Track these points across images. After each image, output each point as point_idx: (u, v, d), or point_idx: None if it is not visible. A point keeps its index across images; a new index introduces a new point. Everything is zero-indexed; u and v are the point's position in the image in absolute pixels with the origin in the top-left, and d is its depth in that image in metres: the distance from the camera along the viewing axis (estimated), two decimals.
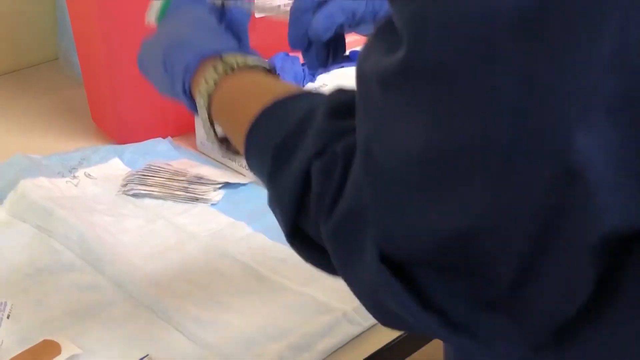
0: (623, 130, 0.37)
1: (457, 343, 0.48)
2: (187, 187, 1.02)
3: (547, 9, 0.36)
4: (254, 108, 0.60)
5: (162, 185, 1.02)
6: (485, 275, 0.43)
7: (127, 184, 1.02)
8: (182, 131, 1.17)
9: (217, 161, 1.09)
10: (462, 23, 0.38)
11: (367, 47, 0.47)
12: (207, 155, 1.12)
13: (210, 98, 0.66)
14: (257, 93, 0.63)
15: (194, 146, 1.15)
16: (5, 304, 0.81)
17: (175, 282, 0.86)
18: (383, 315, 0.50)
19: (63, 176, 1.04)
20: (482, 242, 0.42)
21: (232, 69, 0.66)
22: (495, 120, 0.39)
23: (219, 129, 0.69)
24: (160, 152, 1.11)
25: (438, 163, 0.41)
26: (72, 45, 1.23)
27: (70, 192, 1.01)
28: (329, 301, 0.83)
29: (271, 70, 0.68)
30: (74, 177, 1.04)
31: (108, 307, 0.83)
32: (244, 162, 1.05)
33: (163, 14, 0.79)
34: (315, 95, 0.60)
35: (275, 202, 0.56)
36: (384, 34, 0.45)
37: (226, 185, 1.03)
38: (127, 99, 1.14)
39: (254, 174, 0.63)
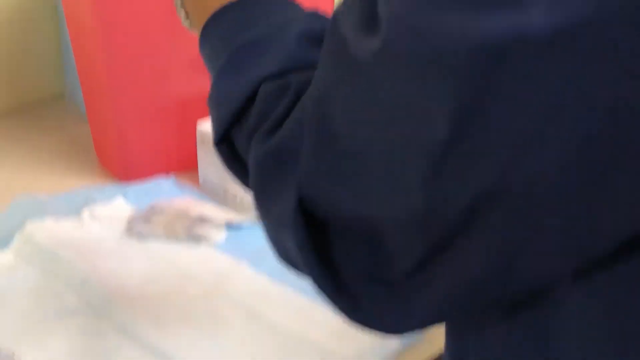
0: None
1: (338, 307, 0.47)
2: (190, 228, 1.03)
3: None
4: None
5: (166, 226, 1.03)
6: (387, 255, 0.43)
7: (131, 225, 1.03)
8: (186, 168, 1.19)
9: (220, 200, 1.10)
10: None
11: (346, 5, 0.45)
12: (210, 193, 1.13)
13: None
14: None
15: (197, 183, 1.16)
16: (13, 355, 0.82)
17: (179, 326, 0.87)
18: (281, 252, 0.51)
19: (69, 217, 1.05)
20: (388, 230, 0.42)
21: None
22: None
23: None
24: (164, 190, 1.13)
25: (381, 148, 0.41)
26: (78, 82, 1.25)
27: (75, 233, 1.02)
28: (332, 346, 0.84)
29: None
30: (79, 218, 1.05)
31: (114, 354, 0.84)
32: (245, 202, 1.07)
33: None
34: (292, 4, 0.58)
35: (215, 101, 0.55)
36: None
37: (229, 225, 1.05)
38: (131, 136, 1.16)
39: (202, 54, 0.60)
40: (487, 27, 0.35)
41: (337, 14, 0.45)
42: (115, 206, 1.09)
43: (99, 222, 1.05)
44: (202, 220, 1.04)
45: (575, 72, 0.35)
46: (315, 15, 0.56)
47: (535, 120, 0.36)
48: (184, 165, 1.19)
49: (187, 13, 0.64)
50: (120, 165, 1.18)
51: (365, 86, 0.41)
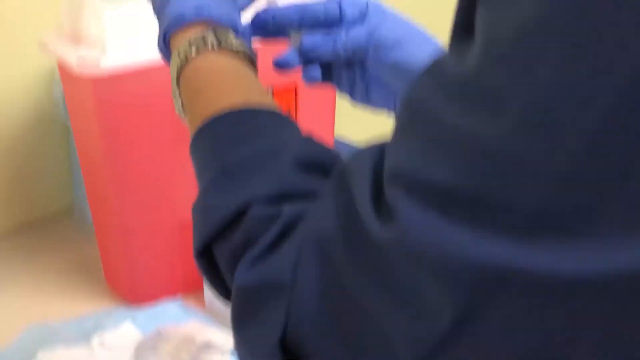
0: None
1: None
2: (197, 355, 1.06)
3: None
4: (221, 100, 0.59)
5: (172, 354, 1.06)
6: None
7: (138, 353, 1.06)
8: (192, 289, 1.22)
9: (227, 322, 1.13)
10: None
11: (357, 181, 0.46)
12: (216, 315, 1.16)
13: (183, 66, 0.64)
14: (229, 85, 0.62)
15: (204, 304, 1.19)
16: None
17: None
18: None
19: (79, 344, 1.08)
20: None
21: (218, 46, 0.63)
22: None
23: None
24: (171, 315, 1.16)
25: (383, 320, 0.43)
26: (86, 199, 1.29)
27: None
28: None
29: (253, 60, 0.66)
30: (89, 345, 1.08)
31: None
32: None
33: None
34: (288, 123, 0.59)
35: (200, 212, 0.55)
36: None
37: (235, 351, 1.07)
38: (138, 256, 1.20)
39: (191, 156, 0.60)
40: (491, 253, 0.38)
41: (348, 177, 0.47)
42: (123, 332, 1.12)
43: (108, 350, 1.08)
44: (208, 346, 1.07)
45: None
46: (310, 141, 0.56)
47: (527, 342, 0.39)
48: (191, 287, 1.22)
49: (182, 104, 0.65)
50: (128, 286, 1.21)
51: (377, 265, 0.43)
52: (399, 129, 0.45)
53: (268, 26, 0.74)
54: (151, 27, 1.11)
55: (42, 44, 1.16)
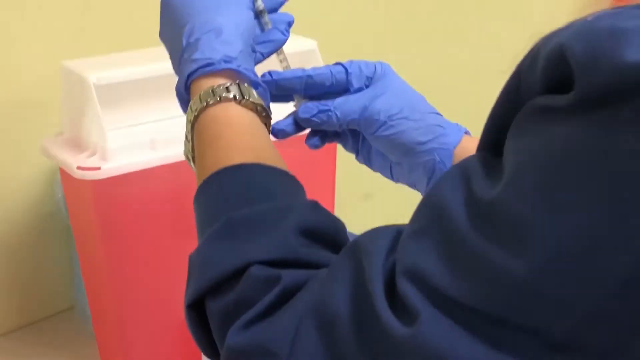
0: None
1: None
2: None
3: None
4: (233, 153, 0.59)
5: None
6: None
7: None
8: None
9: None
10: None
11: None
12: None
13: (201, 112, 0.64)
14: (243, 139, 0.62)
15: None
16: None
17: None
18: None
19: None
20: None
21: (240, 98, 0.64)
22: None
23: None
24: None
25: None
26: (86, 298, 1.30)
27: None
28: None
29: (269, 117, 0.67)
30: None
31: None
32: None
33: None
34: (295, 187, 0.59)
35: (197, 263, 0.54)
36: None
37: None
38: (138, 357, 1.20)
39: (195, 205, 0.60)
40: None
41: (362, 256, 0.47)
42: None
43: None
44: None
45: None
46: (315, 208, 0.56)
47: None
48: None
49: (193, 149, 0.65)
50: None
51: (387, 357, 0.44)
52: (420, 227, 0.46)
53: (272, 91, 0.74)
54: (149, 131, 1.15)
55: (43, 149, 1.19)
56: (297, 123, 0.75)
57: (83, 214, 1.18)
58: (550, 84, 0.41)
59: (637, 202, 0.38)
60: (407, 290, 0.44)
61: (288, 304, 0.49)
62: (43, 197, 1.40)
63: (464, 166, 0.46)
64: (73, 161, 1.11)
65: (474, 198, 0.43)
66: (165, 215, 1.14)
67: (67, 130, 1.20)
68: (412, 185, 0.76)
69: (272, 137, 0.71)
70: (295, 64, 1.33)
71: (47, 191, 1.40)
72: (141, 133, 1.14)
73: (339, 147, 0.80)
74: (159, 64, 1.14)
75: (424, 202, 0.47)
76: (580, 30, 0.40)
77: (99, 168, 1.09)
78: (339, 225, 0.56)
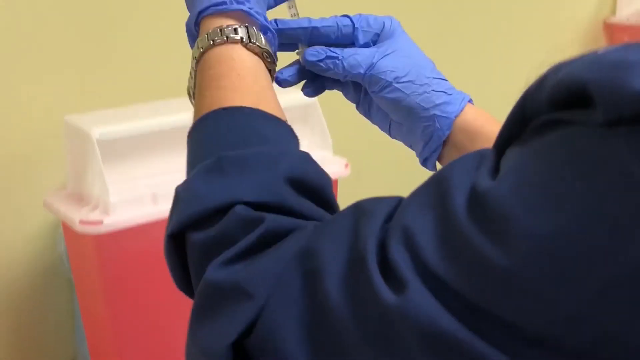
0: None
1: None
2: None
3: None
4: (233, 94, 0.60)
5: None
6: None
7: None
8: None
9: None
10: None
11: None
12: None
13: (207, 50, 0.64)
14: (245, 82, 0.62)
15: None
16: None
17: None
18: None
19: None
20: None
21: (247, 41, 0.64)
22: None
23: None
24: None
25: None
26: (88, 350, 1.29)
27: None
28: None
29: (274, 62, 0.67)
30: None
31: None
32: None
33: None
34: (290, 135, 0.60)
35: (183, 195, 0.55)
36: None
37: None
38: None
39: (188, 140, 0.61)
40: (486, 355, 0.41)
41: (361, 218, 0.48)
42: None
43: None
44: None
45: None
46: (306, 159, 0.57)
47: None
48: None
49: (194, 85, 0.65)
50: None
51: (373, 319, 0.45)
52: (424, 199, 0.47)
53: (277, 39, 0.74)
54: (151, 185, 1.16)
55: (46, 204, 1.20)
56: (301, 72, 0.75)
57: (85, 266, 1.19)
58: (560, 105, 0.43)
59: (624, 215, 0.39)
60: (399, 257, 0.45)
61: (271, 248, 0.50)
62: (45, 249, 1.41)
63: (482, 154, 0.48)
64: (75, 215, 1.12)
65: (475, 185, 0.45)
66: (166, 269, 1.14)
67: (70, 184, 1.21)
68: (408, 144, 0.77)
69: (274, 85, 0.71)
70: (295, 117, 1.35)
71: (50, 244, 1.41)
72: (143, 187, 1.15)
73: None
74: (160, 118, 1.15)
75: (434, 176, 0.48)
76: (594, 61, 0.42)
77: (101, 222, 1.10)
78: (326, 180, 0.57)
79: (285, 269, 0.48)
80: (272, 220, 0.51)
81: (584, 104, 0.41)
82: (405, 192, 0.54)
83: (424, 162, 0.74)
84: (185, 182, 0.55)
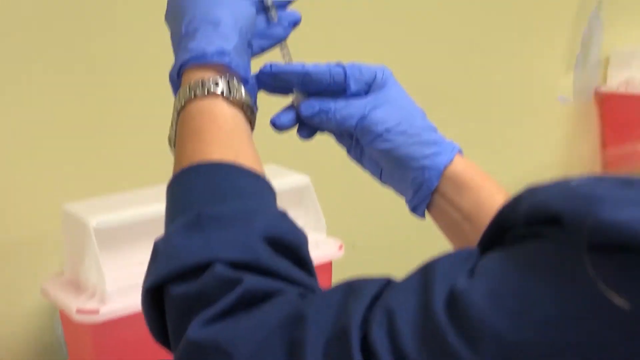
0: None
1: None
2: None
3: None
4: (213, 148, 0.61)
5: None
6: None
7: None
8: None
9: None
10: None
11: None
12: None
13: (188, 102, 0.65)
14: (225, 136, 0.64)
15: None
16: None
17: None
18: None
19: None
20: None
21: (227, 94, 0.65)
22: None
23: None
24: None
25: None
26: None
27: None
28: None
29: (254, 113, 0.68)
30: None
31: None
32: None
33: None
34: (268, 191, 0.61)
35: (162, 249, 0.55)
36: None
37: None
38: None
39: (167, 192, 0.61)
40: None
41: (350, 296, 0.50)
42: None
43: None
44: None
45: None
46: (283, 217, 0.58)
47: None
48: None
49: (175, 145, 0.66)
50: None
51: None
52: (409, 285, 0.49)
53: (270, 83, 0.76)
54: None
55: (44, 291, 1.20)
56: (296, 117, 0.76)
57: (82, 353, 1.19)
58: (534, 223, 0.47)
59: (585, 330, 0.42)
60: (379, 339, 0.47)
61: (253, 310, 0.51)
62: (44, 331, 1.41)
63: (470, 252, 0.50)
64: (72, 303, 1.13)
65: (456, 283, 0.47)
66: (162, 356, 1.14)
67: (67, 271, 1.22)
68: (398, 192, 0.78)
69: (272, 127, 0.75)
70: (289, 200, 1.36)
71: (48, 325, 1.41)
72: (140, 275, 1.15)
73: None
74: (157, 205, 1.17)
75: (424, 264, 0.51)
76: (566, 192, 0.46)
77: (97, 311, 1.10)
78: (302, 239, 0.58)
79: (270, 334, 0.49)
80: (251, 281, 0.52)
81: (556, 224, 0.45)
82: (398, 272, 0.56)
83: (414, 210, 0.76)
84: (164, 237, 0.57)
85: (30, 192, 1.36)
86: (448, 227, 0.75)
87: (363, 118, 0.73)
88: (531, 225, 0.47)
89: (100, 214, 1.15)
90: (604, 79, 2.26)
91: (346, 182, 1.62)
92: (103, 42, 1.45)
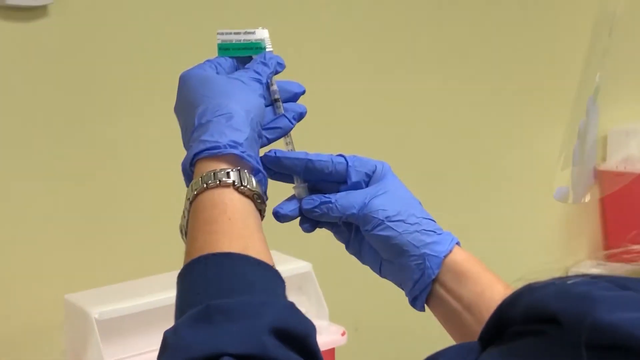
0: None
1: None
2: None
3: None
4: (223, 240, 0.62)
5: None
6: None
7: None
8: None
9: None
10: None
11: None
12: None
13: (201, 192, 0.67)
14: (234, 228, 0.65)
15: None
16: None
17: None
18: None
19: None
20: None
21: (239, 185, 0.67)
22: None
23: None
24: None
25: None
26: None
27: None
28: None
29: (264, 202, 0.70)
30: None
31: None
32: None
33: (226, 53, 0.79)
34: (277, 282, 0.62)
35: (172, 343, 0.56)
36: None
37: None
38: None
39: (178, 281, 0.62)
40: None
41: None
42: None
43: None
44: None
45: None
46: (291, 309, 0.59)
47: None
48: None
49: (186, 234, 0.68)
50: None
51: None
52: None
53: (273, 169, 0.77)
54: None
55: None
56: (301, 209, 0.78)
57: None
58: (531, 321, 0.49)
59: None
60: None
61: None
62: None
63: (470, 347, 0.52)
64: None
65: None
66: None
67: (68, 353, 1.21)
68: (398, 284, 0.78)
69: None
70: (291, 287, 1.36)
71: None
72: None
73: None
74: (159, 295, 1.17)
75: (426, 358, 0.52)
76: (563, 292, 0.48)
77: None
78: (310, 329, 0.59)
79: None
80: None
81: (553, 322, 0.47)
82: (401, 356, 0.57)
83: (413, 302, 0.76)
84: (173, 329, 0.58)
85: (32, 282, 1.37)
86: (448, 317, 0.75)
87: (364, 206, 0.75)
88: (529, 322, 0.48)
89: (102, 305, 1.16)
90: (604, 157, 2.25)
91: (348, 268, 1.66)
92: (106, 131, 1.47)
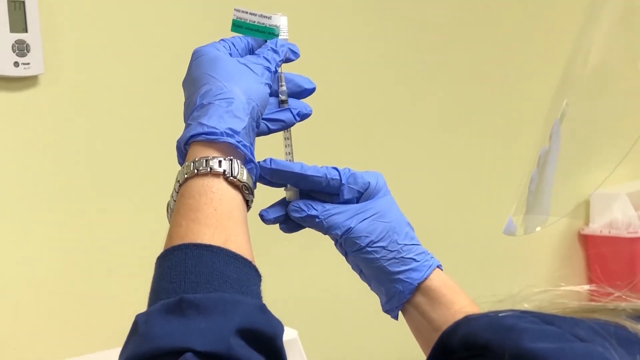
0: None
1: None
2: None
3: None
4: (206, 229, 0.64)
5: None
6: None
7: None
8: None
9: None
10: None
11: None
12: None
13: (191, 176, 0.67)
14: (219, 219, 0.65)
15: None
16: None
17: None
18: None
19: None
20: None
21: (230, 175, 0.67)
22: None
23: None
24: None
25: None
26: None
27: None
28: None
29: (252, 194, 0.69)
30: None
31: None
32: None
33: (239, 30, 0.78)
34: (253, 279, 0.63)
35: (140, 330, 0.57)
36: None
37: None
38: None
39: (157, 264, 0.63)
40: None
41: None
42: None
43: None
44: None
45: None
46: (261, 309, 0.60)
47: None
48: None
49: (171, 213, 0.67)
50: None
51: None
52: None
53: (266, 177, 0.77)
54: None
55: None
56: (285, 213, 0.78)
57: None
58: (469, 348, 0.52)
59: None
60: None
61: None
62: None
63: None
64: None
65: None
66: None
67: None
68: (375, 293, 0.81)
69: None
70: None
71: None
72: None
73: None
74: None
75: None
76: (494, 324, 0.52)
77: None
78: (278, 330, 0.60)
79: None
80: None
81: (485, 349, 0.51)
82: None
83: (387, 312, 0.80)
84: (145, 315, 0.59)
85: (25, 349, 1.33)
86: (418, 334, 0.79)
87: (348, 231, 0.76)
88: (467, 349, 0.51)
89: None
90: (587, 221, 2.20)
91: (333, 335, 1.48)
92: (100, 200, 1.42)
